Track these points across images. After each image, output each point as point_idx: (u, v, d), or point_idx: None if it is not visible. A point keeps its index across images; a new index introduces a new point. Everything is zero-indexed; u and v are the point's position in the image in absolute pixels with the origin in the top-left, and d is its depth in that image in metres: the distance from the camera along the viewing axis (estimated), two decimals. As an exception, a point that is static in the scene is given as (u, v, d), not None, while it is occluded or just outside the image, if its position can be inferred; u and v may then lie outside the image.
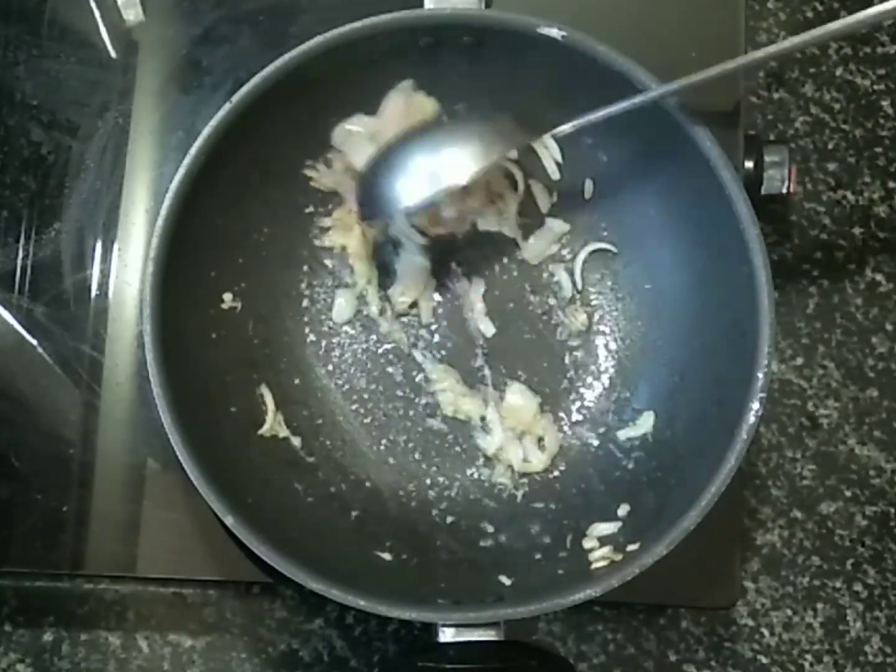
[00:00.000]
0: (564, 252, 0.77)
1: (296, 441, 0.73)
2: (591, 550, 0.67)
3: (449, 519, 0.73)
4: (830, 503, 0.80)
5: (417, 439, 0.75)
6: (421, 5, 0.71)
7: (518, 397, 0.75)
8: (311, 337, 0.76)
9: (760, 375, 0.63)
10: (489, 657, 0.63)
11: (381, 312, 0.76)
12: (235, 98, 0.66)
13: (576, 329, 0.76)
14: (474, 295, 0.77)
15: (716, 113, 0.76)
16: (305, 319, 0.76)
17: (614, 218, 0.75)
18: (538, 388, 0.76)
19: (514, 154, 0.74)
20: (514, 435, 0.74)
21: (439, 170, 0.67)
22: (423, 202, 0.68)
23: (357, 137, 0.73)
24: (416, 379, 0.76)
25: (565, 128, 0.68)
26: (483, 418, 0.75)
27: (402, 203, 0.68)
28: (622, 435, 0.73)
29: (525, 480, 0.74)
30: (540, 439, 0.75)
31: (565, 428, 0.75)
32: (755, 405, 0.63)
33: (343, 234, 0.76)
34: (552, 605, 0.62)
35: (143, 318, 0.65)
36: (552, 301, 0.76)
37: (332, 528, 0.70)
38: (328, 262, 0.76)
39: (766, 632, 0.79)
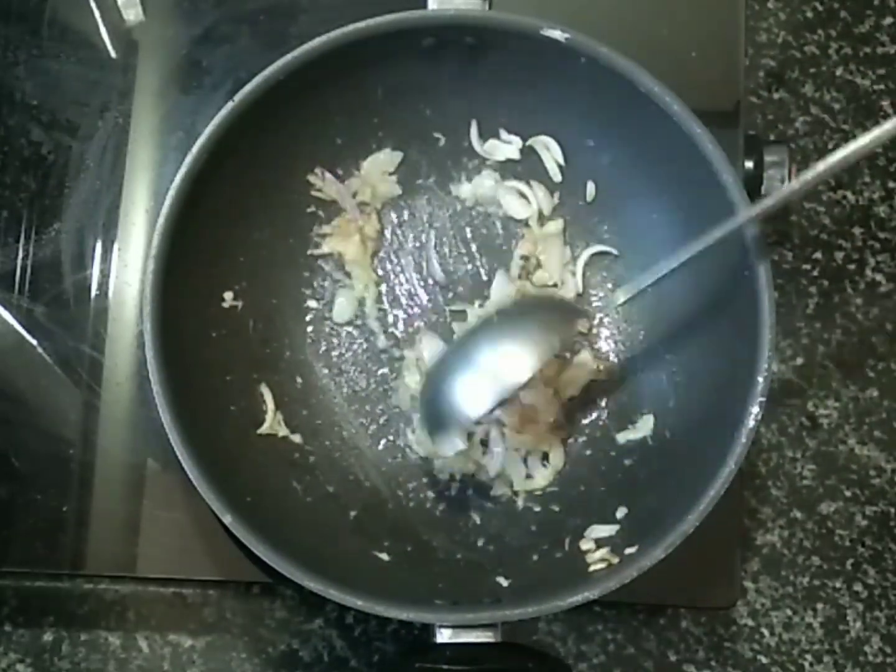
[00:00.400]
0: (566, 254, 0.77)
1: (295, 440, 0.73)
2: (588, 552, 0.67)
3: (447, 520, 0.73)
4: (830, 503, 0.80)
5: (417, 440, 0.75)
6: (424, 6, 0.71)
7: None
8: (311, 337, 0.76)
9: (760, 379, 0.63)
10: (486, 658, 0.63)
11: (383, 329, 0.76)
12: (238, 97, 0.66)
13: (576, 331, 0.76)
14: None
15: (716, 113, 0.76)
16: (306, 319, 0.76)
17: (616, 220, 0.75)
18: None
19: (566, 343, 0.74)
20: (519, 455, 0.74)
21: (498, 372, 0.65)
22: (489, 411, 0.65)
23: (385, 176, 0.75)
24: (416, 380, 0.76)
25: (616, 295, 0.71)
26: (484, 442, 0.74)
27: (468, 415, 0.65)
28: (621, 437, 0.73)
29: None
30: (545, 455, 0.74)
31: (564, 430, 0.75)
32: (755, 409, 0.63)
33: (342, 241, 0.75)
34: (550, 608, 0.62)
35: (144, 316, 0.65)
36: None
37: (330, 527, 0.70)
38: (328, 264, 0.76)
39: (766, 632, 0.79)
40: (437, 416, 0.67)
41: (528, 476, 0.74)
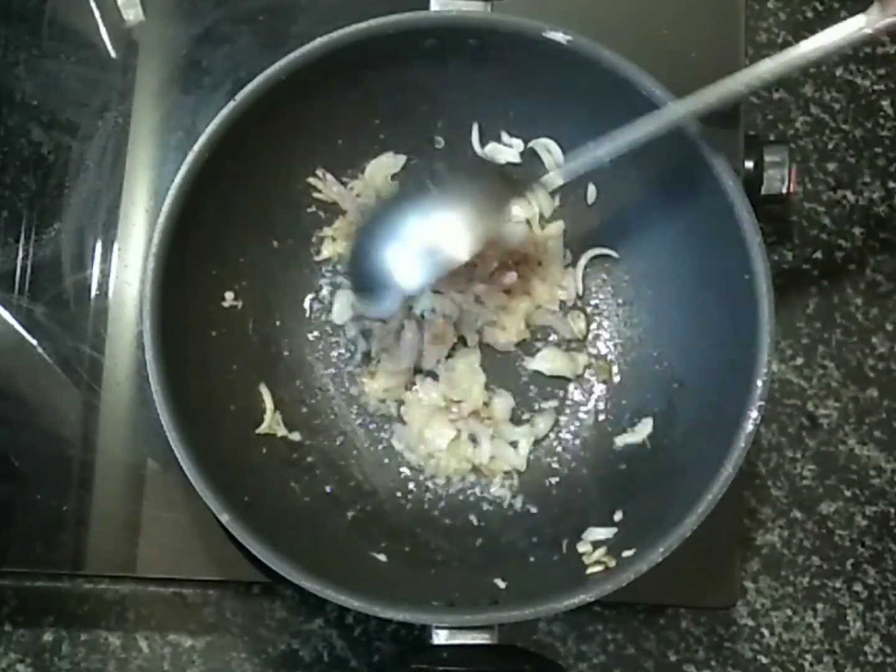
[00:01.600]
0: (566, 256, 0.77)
1: (294, 440, 0.73)
2: (586, 555, 0.67)
3: (445, 521, 0.73)
4: (830, 503, 0.80)
5: (416, 441, 0.75)
6: (426, 7, 0.71)
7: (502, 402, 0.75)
8: (311, 337, 0.76)
9: (760, 383, 0.63)
10: (482, 661, 0.63)
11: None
12: (238, 97, 0.66)
13: (576, 334, 0.76)
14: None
15: (716, 113, 0.76)
16: (306, 319, 0.76)
17: (616, 223, 0.75)
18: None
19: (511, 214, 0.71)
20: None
21: (436, 246, 0.63)
22: (423, 286, 0.65)
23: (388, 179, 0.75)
24: (415, 381, 0.76)
25: (552, 176, 0.66)
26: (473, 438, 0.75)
27: (400, 286, 0.64)
28: (620, 441, 0.73)
29: (521, 484, 0.74)
30: (513, 444, 0.75)
31: (564, 432, 0.75)
32: (754, 413, 0.62)
33: (343, 243, 0.75)
34: (546, 610, 0.62)
35: (143, 315, 0.64)
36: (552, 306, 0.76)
37: (328, 528, 0.70)
38: (329, 265, 0.76)
39: (766, 632, 0.79)
40: (368, 280, 0.66)
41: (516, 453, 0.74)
